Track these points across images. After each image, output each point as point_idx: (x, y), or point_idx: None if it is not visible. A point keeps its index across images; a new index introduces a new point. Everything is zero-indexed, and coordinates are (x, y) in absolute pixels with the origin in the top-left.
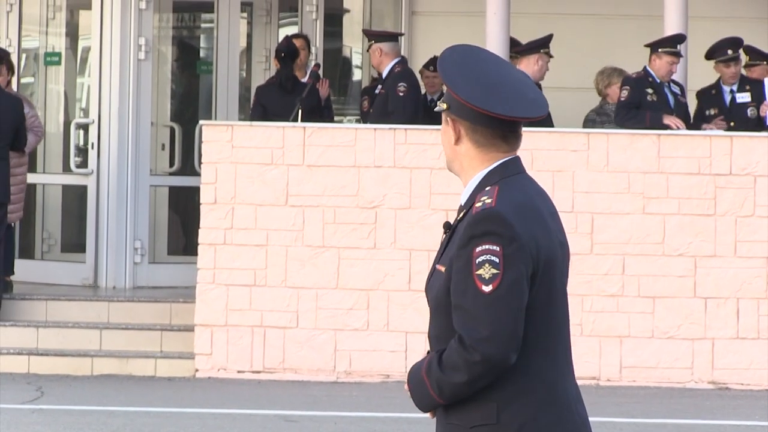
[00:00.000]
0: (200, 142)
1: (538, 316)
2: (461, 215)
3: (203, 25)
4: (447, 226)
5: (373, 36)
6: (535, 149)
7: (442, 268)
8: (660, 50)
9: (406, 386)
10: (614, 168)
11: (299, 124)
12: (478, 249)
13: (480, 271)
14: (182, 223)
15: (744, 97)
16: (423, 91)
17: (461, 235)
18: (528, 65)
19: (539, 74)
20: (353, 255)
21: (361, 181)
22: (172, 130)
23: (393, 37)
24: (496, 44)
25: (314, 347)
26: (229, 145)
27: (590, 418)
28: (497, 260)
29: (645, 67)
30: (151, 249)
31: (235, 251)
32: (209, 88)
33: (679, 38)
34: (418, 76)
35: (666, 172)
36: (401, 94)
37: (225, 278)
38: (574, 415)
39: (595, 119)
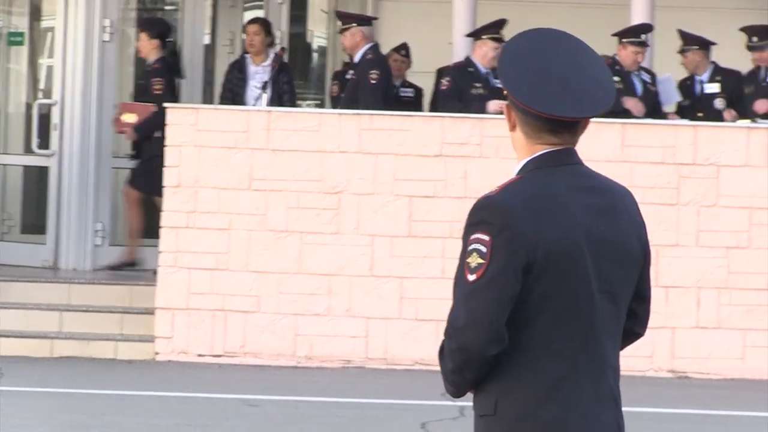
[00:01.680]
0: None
1: (539, 311)
2: None
3: (167, 8)
4: None
5: (353, 19)
6: (500, 137)
7: None
8: (624, 40)
9: None
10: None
11: (264, 108)
12: (472, 237)
13: (469, 260)
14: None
15: (712, 88)
16: None
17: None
18: (476, 51)
19: (486, 60)
20: (316, 240)
21: (325, 166)
22: None
23: (370, 21)
24: (462, 30)
25: (275, 332)
26: (194, 128)
27: None
28: (485, 250)
29: (614, 56)
30: (113, 231)
31: (198, 235)
32: None
33: (645, 28)
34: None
35: (630, 161)
36: (373, 81)
37: (187, 262)
38: (585, 418)
39: None
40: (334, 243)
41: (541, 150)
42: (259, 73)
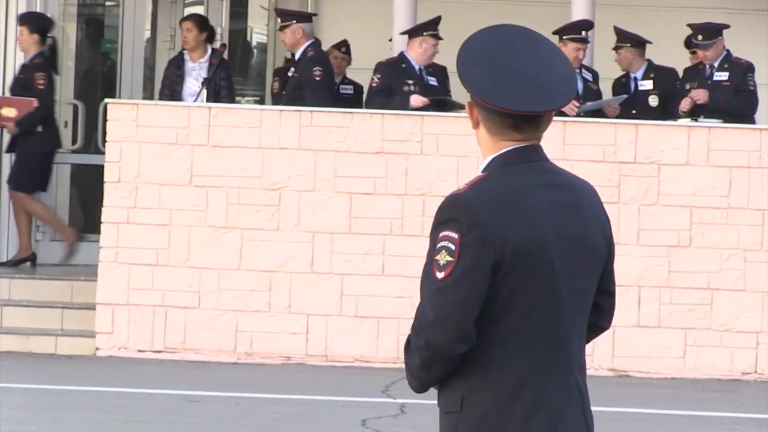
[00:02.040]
0: (104, 120)
1: (507, 309)
2: None
3: (108, 3)
4: None
5: (293, 16)
6: (441, 134)
7: None
8: (565, 37)
9: None
10: None
11: (204, 104)
12: (441, 235)
13: (438, 257)
14: (85, 201)
15: (646, 85)
16: None
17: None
18: (413, 48)
19: (423, 57)
20: (256, 236)
21: (266, 162)
22: (76, 108)
23: (310, 18)
24: (402, 27)
25: (216, 328)
26: (134, 124)
27: None
28: (453, 248)
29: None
30: None
31: (138, 230)
32: (113, 67)
33: (585, 24)
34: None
35: (571, 159)
36: (317, 79)
37: (127, 257)
38: (553, 417)
39: None
40: (275, 239)
41: (506, 147)
42: (196, 69)
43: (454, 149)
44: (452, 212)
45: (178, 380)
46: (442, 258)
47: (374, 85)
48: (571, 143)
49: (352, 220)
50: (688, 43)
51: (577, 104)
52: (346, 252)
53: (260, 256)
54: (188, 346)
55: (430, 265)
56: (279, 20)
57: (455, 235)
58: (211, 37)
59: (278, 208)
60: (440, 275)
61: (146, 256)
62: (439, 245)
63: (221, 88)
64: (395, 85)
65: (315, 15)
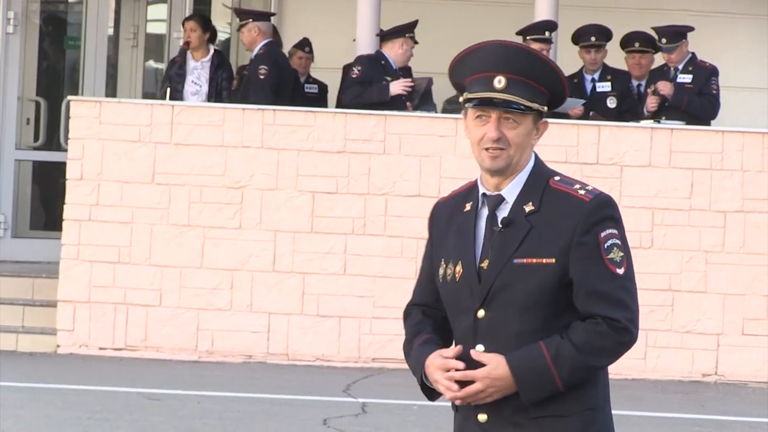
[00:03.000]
0: (67, 117)
1: None
2: (530, 206)
3: (71, 0)
4: (506, 222)
5: (249, 15)
6: (404, 134)
7: (548, 261)
8: (528, 37)
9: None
10: None
11: (167, 102)
12: (603, 234)
13: (611, 255)
14: (47, 198)
15: (604, 87)
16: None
17: (578, 224)
18: (392, 49)
19: (402, 58)
20: (218, 235)
21: (229, 161)
22: (38, 105)
23: (267, 17)
24: (366, 27)
25: (177, 326)
26: (97, 121)
27: (434, 403)
28: (620, 243)
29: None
30: (14, 223)
31: (100, 228)
32: (76, 64)
33: (549, 25)
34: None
35: None
36: (261, 77)
37: (89, 255)
38: None
39: (446, 108)
40: (237, 238)
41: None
42: (197, 68)
43: (417, 149)
44: (607, 211)
45: (140, 378)
46: (616, 255)
47: (354, 76)
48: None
49: (314, 219)
50: (624, 44)
51: None
52: (308, 251)
53: (222, 254)
54: (149, 344)
55: (602, 264)
56: (237, 20)
57: (616, 231)
58: (213, 37)
59: (240, 207)
60: (621, 271)
61: (108, 254)
62: (608, 243)
63: (223, 88)
64: (375, 79)
65: (273, 14)
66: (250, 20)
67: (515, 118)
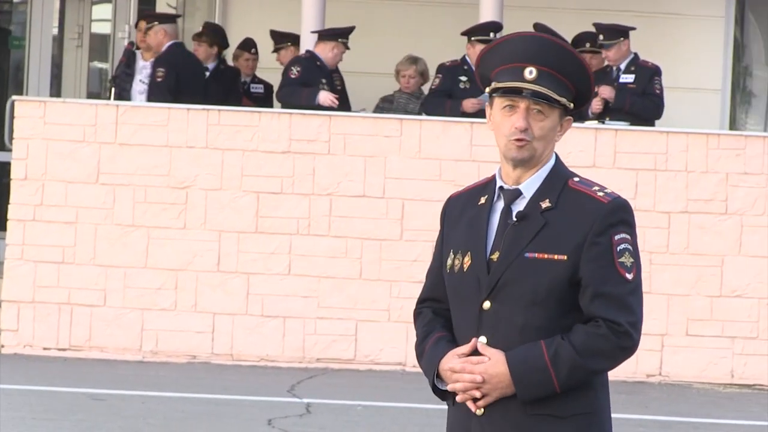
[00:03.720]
0: (12, 117)
1: None
2: (547, 203)
3: (15, 0)
4: (521, 216)
5: (155, 17)
6: (348, 134)
7: (560, 257)
8: (473, 39)
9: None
10: (426, 155)
11: (112, 102)
12: (617, 237)
13: (622, 259)
14: None
15: None
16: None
17: (594, 224)
18: (324, 50)
19: (333, 61)
20: (163, 235)
21: (173, 161)
22: None
23: (173, 19)
24: (311, 27)
25: (121, 326)
26: (42, 121)
27: (395, 404)
28: (632, 249)
29: (464, 56)
30: None
31: (45, 228)
32: (21, 64)
33: (494, 26)
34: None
35: (478, 161)
36: (159, 79)
37: (33, 255)
38: None
39: (381, 107)
40: (181, 238)
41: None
42: (146, 68)
43: (362, 149)
44: (622, 215)
45: (84, 378)
46: (627, 259)
47: (293, 76)
48: (478, 144)
49: (258, 219)
50: (574, 45)
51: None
52: (252, 251)
53: (167, 254)
54: (94, 344)
55: (612, 267)
56: (144, 23)
57: (629, 237)
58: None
59: (185, 207)
60: (630, 276)
61: (52, 254)
62: (620, 247)
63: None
64: (312, 81)
65: (179, 16)
66: (156, 23)
67: (543, 110)
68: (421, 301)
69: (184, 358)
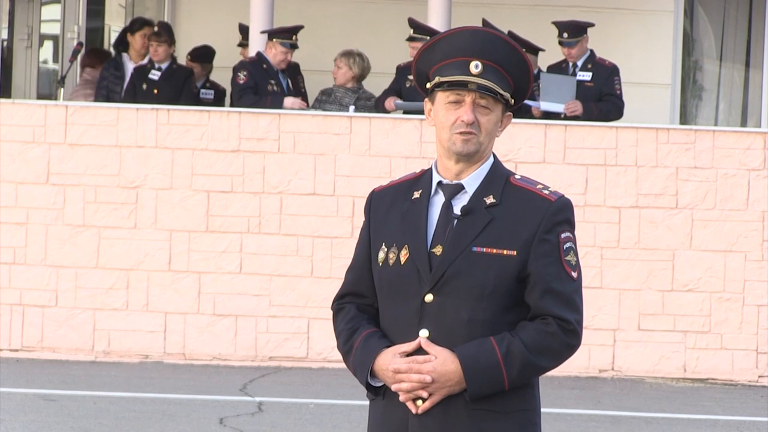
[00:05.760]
0: None
1: None
2: (492, 199)
3: None
4: (466, 211)
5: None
6: (298, 132)
7: (510, 252)
8: (419, 36)
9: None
10: (376, 152)
11: (61, 102)
12: (563, 236)
13: (568, 258)
14: None
15: None
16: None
17: (542, 221)
18: (270, 50)
19: (276, 60)
20: (114, 235)
21: (123, 160)
22: None
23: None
24: (260, 26)
25: (73, 326)
26: None
27: (348, 402)
28: (574, 248)
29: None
30: None
31: None
32: None
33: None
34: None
35: (428, 158)
36: (241, 81)
37: None
38: None
39: (320, 99)
40: (132, 237)
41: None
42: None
43: (311, 147)
44: (567, 214)
45: (36, 379)
46: (572, 258)
47: (241, 81)
48: (428, 141)
49: (209, 218)
50: None
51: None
52: (203, 250)
53: (117, 254)
54: (46, 345)
55: (560, 265)
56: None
57: (572, 235)
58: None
59: (135, 207)
60: (575, 274)
61: (3, 255)
62: (566, 246)
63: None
64: (260, 84)
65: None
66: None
67: (488, 105)
68: (341, 297)
69: (137, 357)
